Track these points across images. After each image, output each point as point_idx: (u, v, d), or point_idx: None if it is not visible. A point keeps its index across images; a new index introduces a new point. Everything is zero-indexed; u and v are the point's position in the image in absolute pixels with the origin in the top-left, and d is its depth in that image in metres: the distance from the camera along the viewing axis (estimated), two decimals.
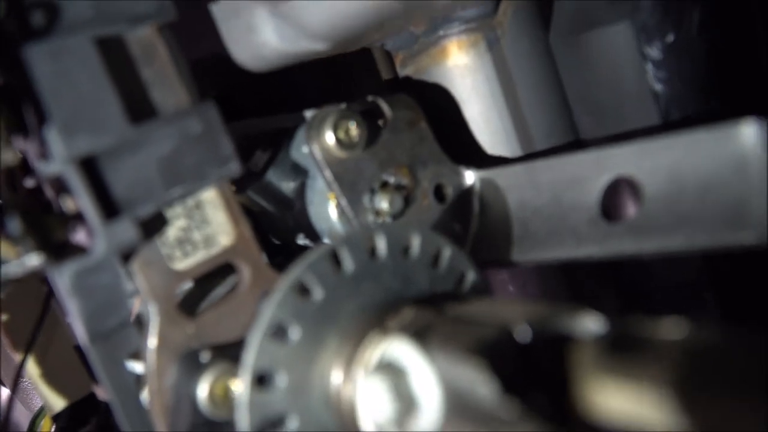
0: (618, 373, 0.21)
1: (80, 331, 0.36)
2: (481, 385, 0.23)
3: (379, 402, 0.25)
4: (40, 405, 0.64)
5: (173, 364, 0.36)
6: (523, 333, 0.25)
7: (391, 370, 0.25)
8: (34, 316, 0.49)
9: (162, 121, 0.35)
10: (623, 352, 0.22)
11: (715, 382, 0.21)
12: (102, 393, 0.46)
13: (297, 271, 0.31)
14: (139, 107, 0.35)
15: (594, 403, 0.21)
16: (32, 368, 0.52)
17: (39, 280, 0.49)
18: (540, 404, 0.23)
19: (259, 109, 0.61)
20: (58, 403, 0.53)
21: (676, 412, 0.20)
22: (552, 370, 0.23)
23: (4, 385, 0.67)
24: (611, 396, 0.21)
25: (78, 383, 0.53)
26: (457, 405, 0.24)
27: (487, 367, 0.23)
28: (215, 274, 0.39)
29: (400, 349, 0.25)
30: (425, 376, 0.24)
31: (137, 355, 0.39)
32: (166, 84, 0.36)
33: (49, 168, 0.33)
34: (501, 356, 0.24)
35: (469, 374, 0.23)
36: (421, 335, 0.26)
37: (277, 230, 0.50)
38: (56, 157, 0.32)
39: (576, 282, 0.52)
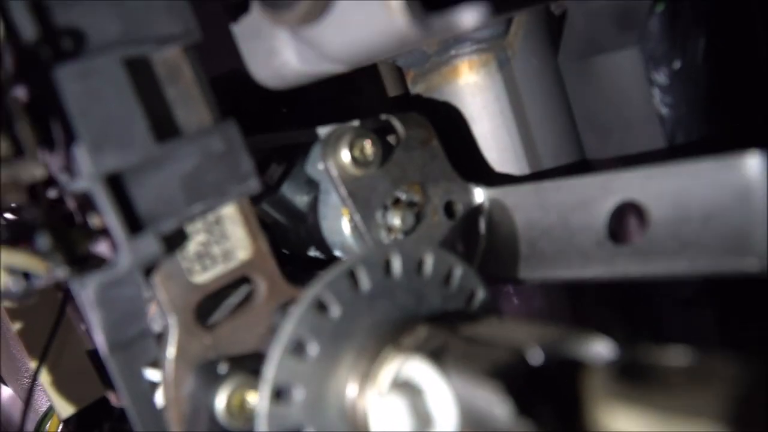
0: (628, 399, 0.22)
1: (100, 341, 0.37)
2: (497, 406, 0.24)
3: (397, 419, 0.26)
4: (46, 406, 0.65)
5: (190, 374, 0.37)
6: (535, 356, 0.26)
7: (408, 389, 0.26)
8: (48, 320, 0.50)
9: (185, 139, 0.36)
10: (633, 378, 0.23)
11: (722, 409, 0.22)
12: (116, 400, 0.47)
13: (316, 289, 0.32)
14: (163, 126, 0.36)
15: (604, 427, 0.23)
16: (44, 372, 0.53)
17: (54, 286, 0.50)
18: (551, 426, 0.24)
19: (264, 117, 0.62)
20: (68, 407, 0.54)
21: None
22: (563, 393, 0.25)
23: (6, 384, 0.68)
24: (621, 421, 0.22)
25: (89, 388, 0.54)
26: (472, 424, 0.25)
27: (503, 389, 0.24)
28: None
29: (417, 368, 0.27)
30: (442, 395, 0.25)
31: (154, 364, 0.40)
32: (190, 103, 0.37)
33: (76, 185, 0.34)
34: (514, 378, 0.25)
35: (484, 396, 0.24)
36: (437, 355, 0.27)
37: (288, 241, 0.51)
38: (83, 175, 0.33)
39: (579, 295, 0.53)
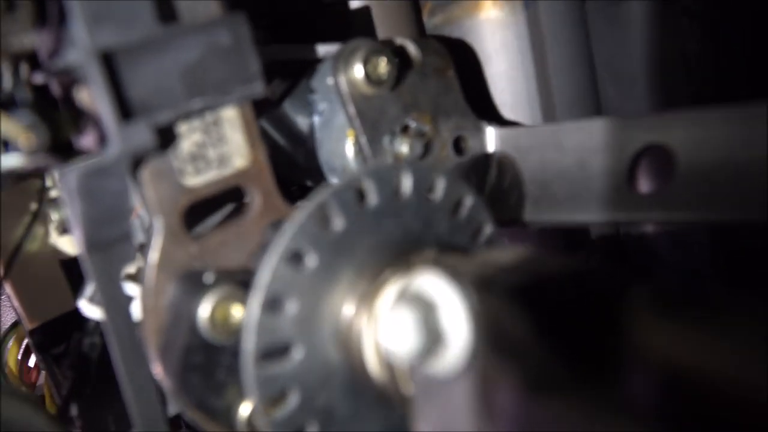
0: (669, 316, 0.20)
1: (78, 238, 0.35)
2: (521, 325, 0.22)
3: (405, 334, 0.24)
4: (12, 322, 0.62)
5: (171, 283, 0.35)
6: (559, 282, 0.24)
7: (420, 302, 0.24)
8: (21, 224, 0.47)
9: (191, 26, 0.33)
10: (671, 301, 0.21)
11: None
12: (87, 310, 0.44)
13: (321, 197, 0.30)
14: (168, 9, 0.33)
15: (641, 347, 0.21)
16: (12, 278, 0.50)
17: (35, 189, 0.47)
18: (578, 348, 0.22)
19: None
20: (35, 317, 0.51)
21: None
22: (592, 318, 0.23)
23: None
24: (660, 338, 0.20)
25: (60, 298, 0.51)
26: (490, 344, 0.23)
27: (528, 308, 0.22)
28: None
29: (431, 281, 0.24)
30: (457, 311, 0.23)
31: (134, 277, 0.37)
32: None
33: (67, 58, 0.31)
34: (540, 301, 0.23)
35: (508, 314, 0.22)
36: (453, 270, 0.25)
37: (283, 167, 0.48)
38: (78, 47, 0.30)
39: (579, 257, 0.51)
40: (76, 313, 0.43)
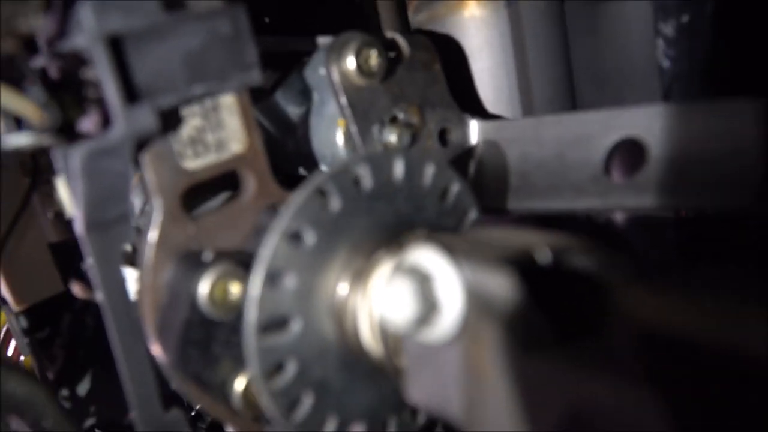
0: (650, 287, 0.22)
1: (78, 217, 0.36)
2: (509, 292, 0.24)
3: (402, 303, 0.26)
4: None
5: (169, 261, 0.36)
6: (544, 256, 0.26)
7: (416, 273, 0.26)
8: (9, 209, 0.48)
9: (194, 14, 0.34)
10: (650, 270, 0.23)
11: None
12: (78, 291, 0.45)
13: (320, 179, 0.31)
14: None
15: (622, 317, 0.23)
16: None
17: (24, 172, 0.47)
18: (561, 318, 0.24)
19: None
20: (22, 300, 0.52)
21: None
22: (572, 286, 0.25)
23: None
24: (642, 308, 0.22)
25: (47, 282, 0.51)
26: (478, 311, 0.25)
27: (516, 275, 0.24)
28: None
29: (425, 255, 0.26)
30: (451, 281, 0.25)
31: (130, 260, 0.38)
32: None
33: (74, 41, 0.32)
34: (525, 272, 0.25)
35: (496, 282, 0.24)
36: (446, 245, 0.27)
37: (273, 156, 0.50)
38: (85, 32, 0.31)
39: None
40: (62, 297, 0.44)
